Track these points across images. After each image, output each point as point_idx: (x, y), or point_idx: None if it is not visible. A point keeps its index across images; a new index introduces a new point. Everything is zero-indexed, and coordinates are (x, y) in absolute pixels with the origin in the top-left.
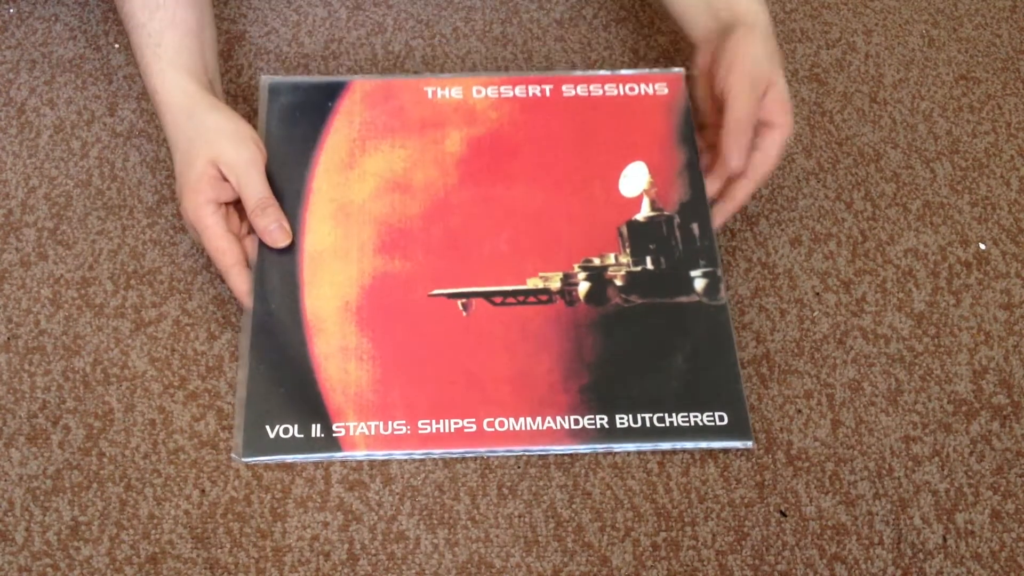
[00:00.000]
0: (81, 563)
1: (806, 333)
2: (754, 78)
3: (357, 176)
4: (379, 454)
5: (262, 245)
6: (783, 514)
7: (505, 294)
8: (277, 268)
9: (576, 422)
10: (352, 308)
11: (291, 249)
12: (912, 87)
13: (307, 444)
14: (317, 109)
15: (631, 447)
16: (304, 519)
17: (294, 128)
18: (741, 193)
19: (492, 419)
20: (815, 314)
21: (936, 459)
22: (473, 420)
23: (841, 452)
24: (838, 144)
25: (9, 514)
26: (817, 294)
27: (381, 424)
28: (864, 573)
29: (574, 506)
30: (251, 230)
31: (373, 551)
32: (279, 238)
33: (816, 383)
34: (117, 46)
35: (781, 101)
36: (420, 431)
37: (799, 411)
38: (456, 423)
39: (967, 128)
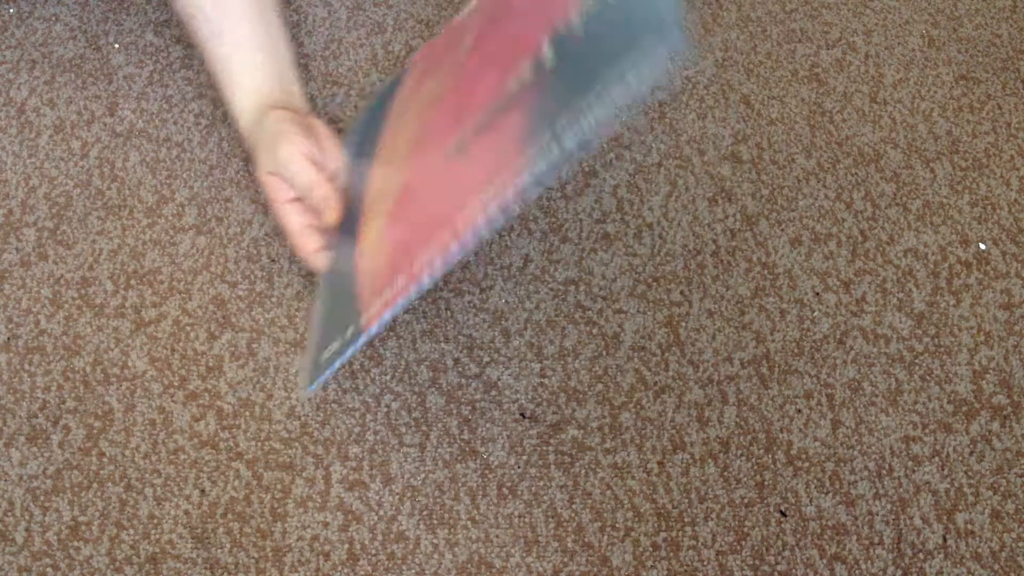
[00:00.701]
0: (81, 563)
1: (806, 333)
2: None
3: (409, 117)
4: (387, 315)
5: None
6: (783, 514)
7: (492, 116)
8: (345, 227)
9: (527, 150)
10: (388, 216)
11: (354, 211)
12: (912, 87)
13: (344, 347)
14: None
15: (578, 138)
16: (304, 519)
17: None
18: None
19: (463, 207)
20: (815, 314)
21: (936, 459)
22: (451, 225)
23: (841, 452)
24: (838, 144)
25: (9, 514)
26: (817, 294)
27: (387, 288)
28: (864, 573)
29: (574, 506)
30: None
31: (373, 551)
32: (328, 216)
33: (816, 383)
34: (117, 46)
35: None
36: (414, 270)
37: (799, 411)
38: (439, 242)
39: (967, 128)
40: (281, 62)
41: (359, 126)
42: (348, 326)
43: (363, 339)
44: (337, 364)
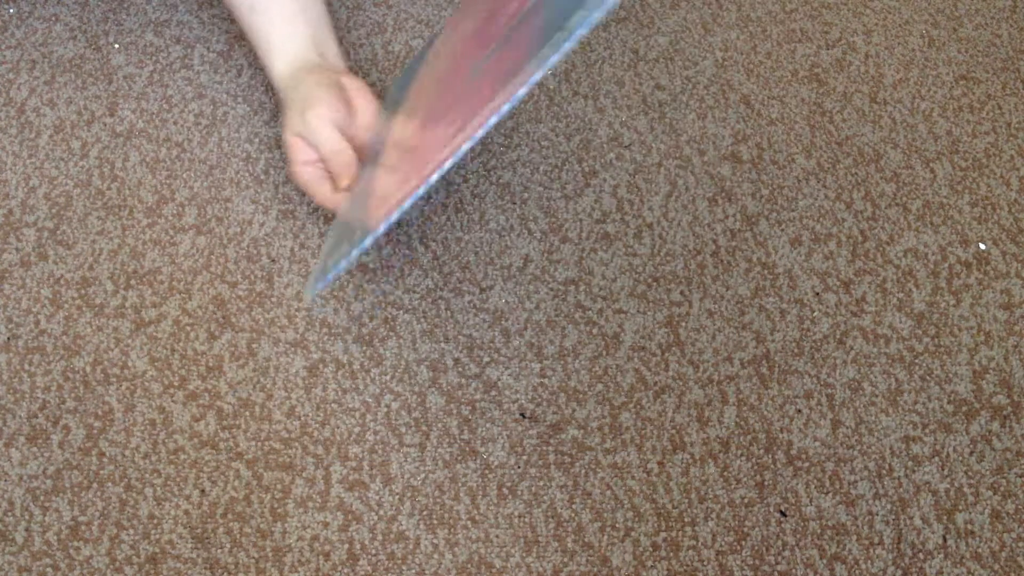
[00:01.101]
0: (81, 563)
1: (806, 333)
2: None
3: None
4: (393, 216)
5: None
6: (783, 514)
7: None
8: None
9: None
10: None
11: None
12: (912, 87)
13: (349, 247)
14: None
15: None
16: (304, 519)
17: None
18: None
19: (474, 105)
20: (815, 314)
21: (936, 459)
22: (464, 111)
23: (841, 452)
24: (838, 144)
25: (9, 514)
26: (817, 294)
27: (395, 179)
28: (864, 573)
29: (574, 506)
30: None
31: (373, 551)
32: (341, 182)
33: (816, 383)
34: (117, 46)
35: None
36: (424, 172)
37: (799, 411)
38: (452, 126)
39: (967, 128)
40: (314, 24)
41: (397, 82)
42: (355, 231)
43: (370, 239)
44: (343, 265)
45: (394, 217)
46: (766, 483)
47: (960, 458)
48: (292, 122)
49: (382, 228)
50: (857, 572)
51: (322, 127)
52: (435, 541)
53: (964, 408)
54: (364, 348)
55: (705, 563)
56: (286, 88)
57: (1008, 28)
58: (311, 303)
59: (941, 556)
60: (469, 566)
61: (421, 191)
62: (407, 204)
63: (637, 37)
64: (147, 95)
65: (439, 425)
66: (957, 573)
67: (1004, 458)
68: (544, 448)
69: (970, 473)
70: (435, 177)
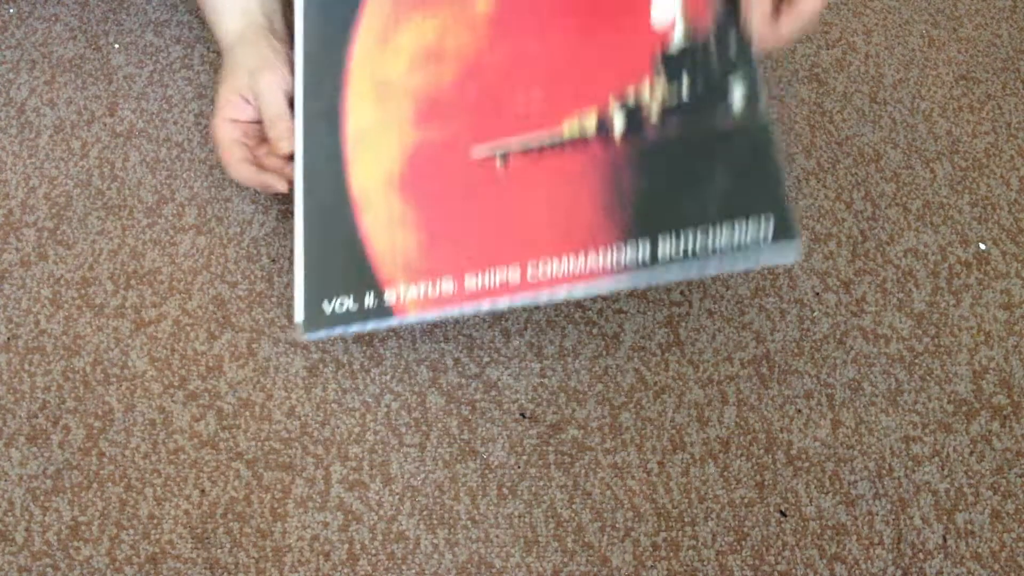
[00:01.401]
0: (81, 563)
1: (806, 333)
2: None
3: (392, 52)
4: (430, 315)
5: (306, 131)
6: (783, 514)
7: (542, 146)
8: (322, 153)
9: (618, 254)
10: (395, 180)
11: (334, 131)
12: (912, 87)
13: (361, 315)
14: None
15: (675, 274)
16: (304, 519)
17: (330, 15)
18: (789, 25)
19: (535, 262)
20: (815, 314)
21: (936, 459)
22: (517, 266)
23: (841, 452)
24: (838, 144)
25: (9, 514)
26: (817, 294)
27: (429, 285)
28: (864, 573)
29: (574, 506)
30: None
31: (373, 551)
32: (284, 146)
33: (816, 383)
34: (117, 46)
35: None
36: (466, 288)
37: (799, 411)
38: (501, 274)
39: (967, 128)
40: None
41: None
42: (365, 291)
43: (395, 323)
44: (353, 330)
45: (431, 317)
46: (766, 483)
47: (960, 458)
48: (236, 79)
49: (412, 320)
50: (857, 572)
51: (272, 91)
52: (435, 541)
53: (964, 408)
54: (364, 348)
55: (705, 563)
56: (234, 45)
57: (1008, 28)
58: (305, 339)
59: (941, 556)
60: (469, 566)
61: (469, 311)
62: (448, 313)
63: None
64: (147, 95)
65: (439, 425)
66: (957, 573)
67: (1004, 458)
68: (544, 448)
69: (970, 473)
70: (485, 307)
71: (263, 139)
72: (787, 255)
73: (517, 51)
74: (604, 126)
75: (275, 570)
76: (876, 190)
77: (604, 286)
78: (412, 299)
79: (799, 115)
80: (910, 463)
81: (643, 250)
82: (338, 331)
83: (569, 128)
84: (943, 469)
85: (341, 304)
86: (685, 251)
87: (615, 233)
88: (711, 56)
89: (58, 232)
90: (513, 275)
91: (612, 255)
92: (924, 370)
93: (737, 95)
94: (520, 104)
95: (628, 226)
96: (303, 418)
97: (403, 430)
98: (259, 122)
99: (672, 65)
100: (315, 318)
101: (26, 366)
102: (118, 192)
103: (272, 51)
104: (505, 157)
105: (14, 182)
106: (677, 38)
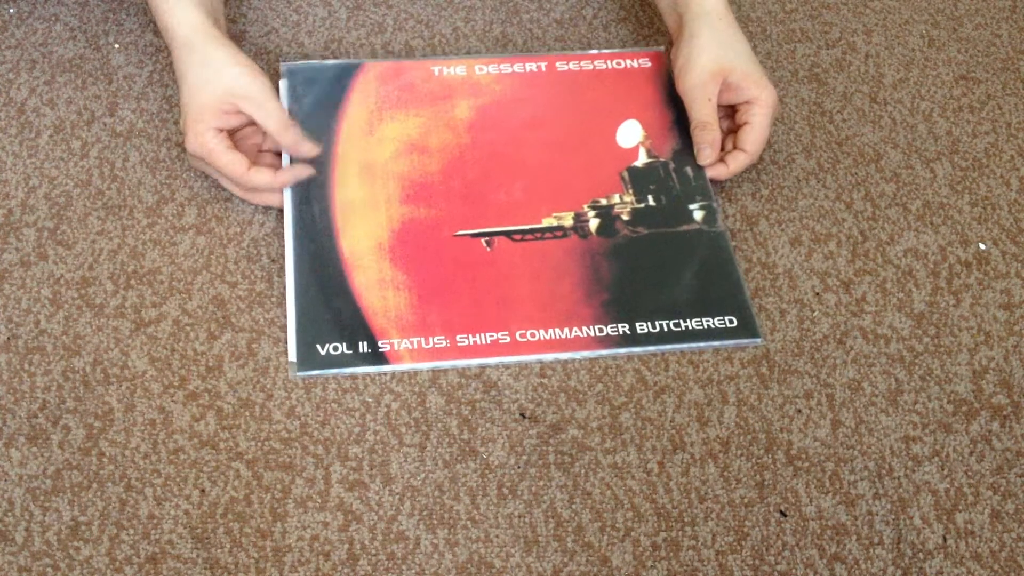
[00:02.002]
0: (81, 563)
1: (806, 333)
2: (703, 81)
3: (377, 141)
4: (424, 366)
5: (294, 190)
6: (783, 514)
7: (523, 232)
8: (314, 209)
9: (600, 330)
10: (385, 248)
11: (324, 196)
12: (912, 87)
13: (356, 359)
14: (335, 86)
15: (652, 349)
16: (304, 519)
17: (315, 105)
18: (735, 164)
19: (524, 331)
20: (815, 314)
21: (936, 459)
22: (507, 332)
23: (841, 452)
24: (838, 144)
25: (9, 514)
26: (817, 294)
27: (423, 339)
28: (864, 573)
29: (574, 506)
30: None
31: (373, 551)
32: (307, 148)
33: (816, 383)
34: (117, 46)
35: (747, 77)
36: (459, 344)
37: (799, 411)
38: (491, 336)
39: (967, 128)
40: None
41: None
42: (359, 340)
43: (390, 369)
44: (348, 372)
45: (423, 368)
46: (766, 483)
47: (960, 458)
48: (219, 83)
49: (404, 369)
50: (857, 572)
51: (271, 95)
52: (435, 541)
53: (964, 408)
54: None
55: (705, 563)
56: (194, 41)
57: (1008, 28)
58: (298, 378)
59: (941, 556)
60: (469, 566)
61: (459, 364)
62: (440, 365)
63: (637, 37)
64: (147, 95)
65: (439, 425)
66: (957, 573)
67: (1004, 458)
68: (544, 448)
69: (970, 473)
70: (474, 365)
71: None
72: (753, 342)
73: (497, 153)
74: (580, 222)
75: (275, 570)
76: (876, 190)
77: (589, 355)
78: (406, 349)
79: (799, 115)
80: (910, 463)
81: (623, 329)
82: (333, 372)
83: (548, 221)
84: (943, 469)
85: (335, 348)
86: (660, 335)
87: (596, 314)
88: (672, 179)
89: (58, 232)
90: (503, 338)
91: (595, 331)
92: (924, 370)
93: (696, 210)
94: (502, 197)
95: (607, 308)
96: (303, 418)
97: (403, 430)
98: (237, 130)
99: (638, 177)
100: (308, 358)
101: (26, 366)
102: (118, 192)
103: (239, 50)
104: (490, 241)
105: (14, 182)
106: (641, 156)
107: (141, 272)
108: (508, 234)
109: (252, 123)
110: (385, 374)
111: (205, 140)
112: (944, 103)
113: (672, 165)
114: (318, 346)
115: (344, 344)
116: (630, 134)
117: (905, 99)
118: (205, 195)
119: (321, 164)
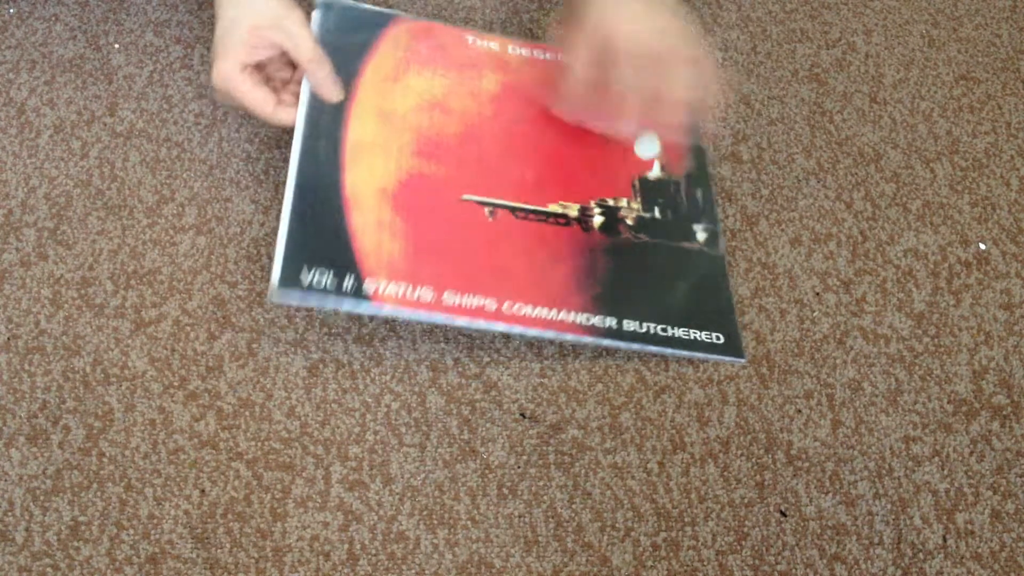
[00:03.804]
0: (81, 563)
1: (806, 333)
2: (581, 50)
3: (400, 90)
4: (405, 312)
5: (308, 117)
6: (783, 514)
7: (528, 211)
8: (323, 142)
9: (588, 319)
10: (389, 194)
11: (336, 131)
12: (912, 87)
13: (339, 292)
14: (367, 29)
15: (636, 347)
16: (304, 519)
17: (343, 43)
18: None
19: (511, 302)
20: (815, 314)
21: (936, 459)
22: (495, 300)
23: (841, 452)
24: (838, 144)
25: (9, 514)
26: (817, 294)
27: (409, 287)
28: (864, 573)
29: (574, 506)
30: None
31: (373, 551)
32: (334, 91)
33: (816, 383)
34: (117, 46)
35: (633, 42)
36: (444, 301)
37: (799, 411)
38: (479, 300)
39: (967, 128)
40: None
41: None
42: (345, 273)
43: (370, 310)
44: (327, 306)
45: (404, 316)
46: (766, 483)
47: (960, 458)
48: (255, 18)
49: (386, 312)
50: (857, 572)
51: (305, 30)
52: (435, 541)
53: (964, 408)
54: (364, 348)
55: (705, 563)
56: None
57: (1008, 28)
58: (272, 303)
59: (941, 556)
60: (469, 566)
61: (439, 320)
62: (421, 317)
63: None
64: (147, 95)
65: (439, 425)
66: (957, 573)
67: (1004, 458)
68: (544, 448)
69: (970, 473)
70: (460, 323)
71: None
72: (737, 361)
73: (516, 132)
74: (585, 216)
75: (275, 570)
76: (876, 190)
77: (573, 340)
78: (391, 294)
79: (799, 115)
80: (910, 463)
81: (610, 323)
82: (312, 302)
83: (553, 207)
84: (943, 469)
85: (320, 277)
86: (646, 335)
87: (586, 303)
88: (681, 197)
89: (58, 232)
90: (490, 305)
91: (582, 319)
92: (924, 370)
93: (700, 231)
94: (513, 174)
95: (598, 301)
96: (303, 418)
97: (403, 430)
98: (265, 66)
99: (649, 188)
100: (290, 281)
101: (26, 366)
102: (118, 192)
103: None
104: (493, 211)
105: (14, 182)
106: (655, 170)
107: (141, 272)
108: (513, 209)
109: (282, 55)
110: (385, 373)
111: (231, 75)
112: (944, 103)
113: (684, 185)
114: (304, 271)
115: (331, 274)
116: (649, 146)
117: (905, 99)
118: (205, 195)
119: (336, 107)
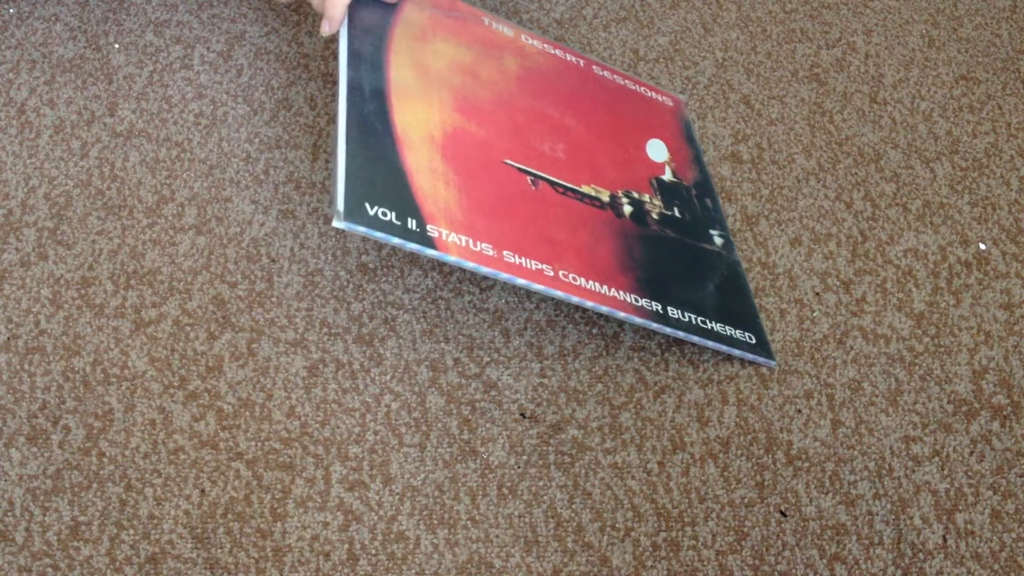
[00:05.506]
0: (81, 563)
1: (806, 333)
2: None
3: (431, 51)
4: (470, 264)
5: (350, 47)
6: (783, 514)
7: (566, 188)
8: (368, 76)
9: (636, 300)
10: (437, 142)
11: (379, 68)
12: (912, 87)
13: (404, 232)
14: None
15: (681, 335)
16: (304, 519)
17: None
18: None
19: (567, 272)
20: (815, 314)
21: (936, 459)
22: (551, 267)
23: (841, 452)
24: (838, 144)
25: (9, 514)
26: (817, 294)
27: (471, 240)
28: (864, 573)
29: (574, 506)
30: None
31: (373, 551)
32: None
33: (816, 383)
34: (117, 46)
35: None
36: (506, 259)
37: (799, 411)
38: (536, 264)
39: (967, 128)
40: None
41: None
42: (408, 216)
43: (436, 255)
44: (394, 242)
45: (468, 266)
46: (766, 483)
47: (960, 458)
48: None
49: (451, 260)
50: (857, 572)
51: None
52: (435, 541)
53: (964, 408)
54: (364, 348)
55: (705, 563)
56: None
57: (1008, 28)
58: (343, 227)
59: (941, 556)
60: (469, 566)
61: (502, 277)
62: (482, 270)
63: (637, 37)
64: (147, 95)
65: (439, 425)
66: (957, 573)
67: (1004, 458)
68: (544, 448)
69: (970, 473)
70: (519, 283)
71: None
72: (768, 363)
73: (543, 111)
74: (616, 203)
75: (275, 570)
76: (876, 190)
77: (624, 318)
78: (455, 243)
79: (799, 115)
80: (910, 463)
81: (656, 307)
82: (378, 236)
83: (586, 189)
84: (943, 469)
85: (384, 213)
86: (689, 325)
87: (631, 284)
88: (694, 202)
89: (58, 232)
90: (548, 270)
91: (631, 299)
92: (924, 370)
93: (716, 236)
94: (546, 149)
95: (642, 284)
96: (303, 418)
97: (403, 430)
98: None
99: (666, 189)
100: (356, 212)
101: (26, 366)
102: (118, 192)
103: None
104: (535, 181)
105: (14, 182)
106: (668, 174)
107: (141, 272)
108: (552, 184)
109: None
110: (385, 373)
111: None
112: (944, 103)
113: (694, 192)
114: (367, 204)
115: (394, 214)
116: (658, 151)
117: (905, 99)
118: (205, 195)
119: (378, 37)
